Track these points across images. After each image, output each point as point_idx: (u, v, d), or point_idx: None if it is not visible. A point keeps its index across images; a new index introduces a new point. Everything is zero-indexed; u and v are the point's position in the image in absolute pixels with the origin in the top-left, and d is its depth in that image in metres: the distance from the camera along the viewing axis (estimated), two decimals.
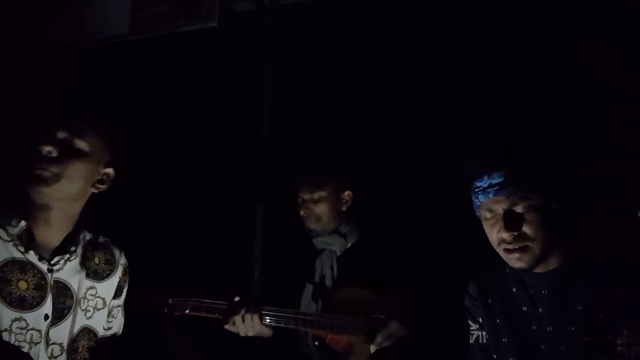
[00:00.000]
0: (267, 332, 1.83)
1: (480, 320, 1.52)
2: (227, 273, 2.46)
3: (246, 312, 1.76)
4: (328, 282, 2.01)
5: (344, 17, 2.63)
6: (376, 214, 2.22)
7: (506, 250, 1.37)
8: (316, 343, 1.90)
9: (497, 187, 1.35)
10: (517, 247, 1.35)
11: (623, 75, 2.04)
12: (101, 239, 1.56)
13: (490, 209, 1.39)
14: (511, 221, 1.34)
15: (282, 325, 1.80)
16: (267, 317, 1.79)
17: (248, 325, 1.77)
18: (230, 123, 2.74)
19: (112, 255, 1.57)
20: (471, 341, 1.55)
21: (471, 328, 1.56)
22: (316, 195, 2.07)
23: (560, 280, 1.38)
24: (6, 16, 2.93)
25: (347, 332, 1.83)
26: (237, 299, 1.79)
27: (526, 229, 1.34)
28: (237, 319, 1.75)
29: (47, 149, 1.40)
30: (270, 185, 2.69)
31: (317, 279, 2.04)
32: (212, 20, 2.75)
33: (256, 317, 1.76)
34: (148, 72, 2.85)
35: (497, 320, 1.48)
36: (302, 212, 2.10)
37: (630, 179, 1.99)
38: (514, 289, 1.46)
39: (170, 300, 1.74)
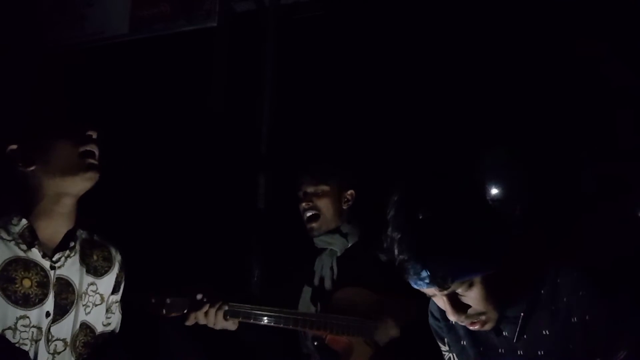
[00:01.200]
0: (231, 326, 1.80)
1: (447, 341, 1.44)
2: (226, 273, 2.46)
3: (210, 307, 1.74)
4: (327, 284, 2.00)
5: (344, 17, 2.63)
6: (377, 215, 2.20)
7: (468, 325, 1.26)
8: (315, 343, 1.90)
9: (427, 281, 1.16)
10: (472, 323, 1.23)
11: (624, 74, 2.04)
12: (96, 237, 1.59)
13: (428, 294, 1.24)
14: (457, 305, 1.20)
15: (282, 325, 1.79)
16: (266, 318, 1.78)
17: (210, 320, 1.75)
18: (230, 123, 2.74)
19: (109, 252, 1.60)
20: None
21: (442, 349, 1.48)
22: (319, 189, 2.06)
23: (521, 308, 1.27)
24: (6, 15, 2.93)
25: (347, 333, 1.83)
26: (199, 296, 1.77)
27: (474, 305, 1.20)
28: (199, 314, 1.74)
29: (93, 134, 1.46)
30: (270, 184, 2.69)
31: (316, 282, 2.02)
32: (212, 20, 2.75)
33: (220, 314, 1.75)
34: (148, 72, 2.85)
35: (464, 343, 1.40)
36: (303, 205, 2.07)
37: (630, 179, 1.99)
38: None
39: (168, 300, 1.73)
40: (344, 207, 2.09)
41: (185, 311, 1.75)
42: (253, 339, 1.94)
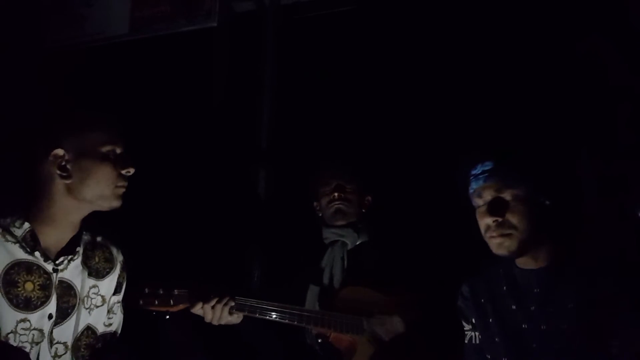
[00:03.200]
0: (235, 320, 1.80)
1: (473, 320, 1.54)
2: (230, 268, 2.46)
3: (217, 303, 1.74)
4: (337, 276, 2.01)
5: (344, 17, 2.64)
6: (387, 217, 2.23)
7: (491, 237, 1.42)
8: (319, 341, 1.90)
9: (487, 174, 1.43)
10: (498, 234, 1.40)
11: (623, 73, 2.05)
12: (99, 239, 1.59)
13: (480, 195, 1.44)
14: (496, 207, 1.40)
15: (286, 321, 1.79)
16: (272, 313, 1.78)
17: (217, 315, 1.75)
18: (231, 123, 2.74)
19: (111, 253, 1.60)
20: (465, 341, 1.56)
21: (465, 329, 1.57)
22: (350, 186, 2.12)
23: (551, 278, 1.40)
24: (6, 15, 2.92)
25: (350, 332, 1.83)
26: (208, 289, 1.77)
27: (510, 217, 1.39)
28: (207, 307, 1.74)
29: (132, 171, 1.50)
30: (271, 184, 2.69)
31: (326, 274, 2.03)
32: (212, 20, 2.75)
33: (226, 309, 1.75)
34: (148, 72, 2.84)
35: (490, 320, 1.49)
36: (335, 195, 2.10)
37: (630, 178, 2.00)
38: (504, 288, 1.48)
39: (176, 291, 1.72)
40: (363, 210, 2.16)
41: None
42: (254, 337, 1.93)
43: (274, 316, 1.79)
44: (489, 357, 1.48)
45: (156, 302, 1.69)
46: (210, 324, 1.77)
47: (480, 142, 2.14)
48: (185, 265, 2.38)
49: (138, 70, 2.85)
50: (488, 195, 1.42)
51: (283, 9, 2.77)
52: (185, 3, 2.78)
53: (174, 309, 1.73)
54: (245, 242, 2.65)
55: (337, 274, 2.02)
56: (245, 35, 2.82)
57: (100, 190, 1.43)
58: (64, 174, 1.40)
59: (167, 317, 1.73)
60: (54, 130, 1.43)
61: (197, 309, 1.73)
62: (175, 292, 1.72)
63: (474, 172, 1.48)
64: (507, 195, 1.40)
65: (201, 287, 1.76)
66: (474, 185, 1.46)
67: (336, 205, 2.09)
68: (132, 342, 1.68)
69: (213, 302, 1.73)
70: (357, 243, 2.08)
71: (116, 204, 1.48)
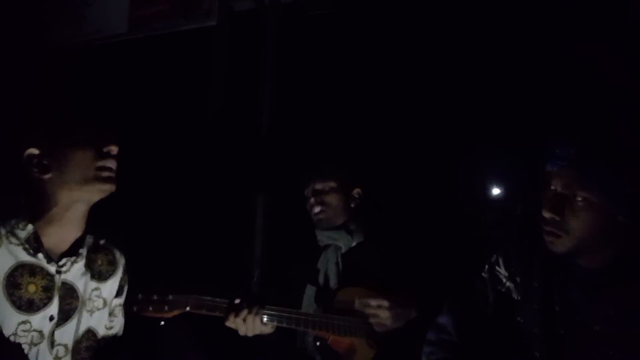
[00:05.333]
0: (268, 330, 1.80)
1: (517, 279, 1.42)
2: (227, 272, 2.46)
3: (248, 313, 1.73)
4: (332, 280, 2.00)
5: (343, 15, 2.63)
6: (382, 216, 2.21)
7: (544, 230, 1.27)
8: (318, 344, 1.89)
9: (565, 162, 1.23)
10: (551, 230, 1.25)
11: (624, 74, 2.04)
12: (102, 242, 1.59)
13: (550, 179, 1.27)
14: (558, 204, 1.23)
15: (284, 325, 1.79)
16: (266, 316, 1.78)
17: (249, 327, 1.74)
18: (230, 122, 2.74)
19: (113, 256, 1.60)
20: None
21: (501, 274, 1.46)
22: (327, 185, 2.07)
23: (599, 281, 1.27)
24: (5, 15, 2.92)
25: (350, 334, 1.82)
26: (237, 300, 1.75)
27: (570, 218, 1.22)
28: (238, 320, 1.73)
29: (114, 149, 1.44)
30: (270, 183, 2.69)
31: (321, 279, 2.01)
32: (211, 19, 2.75)
33: (257, 319, 1.74)
34: (147, 71, 2.85)
35: (535, 285, 1.38)
36: (312, 201, 2.08)
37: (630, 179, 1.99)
38: (557, 264, 1.36)
39: (170, 297, 1.71)
40: (352, 205, 2.11)
41: (187, 309, 1.73)
42: (258, 339, 1.94)
43: (268, 319, 1.77)
44: (520, 320, 1.39)
45: (150, 309, 1.68)
46: (210, 326, 1.78)
47: (477, 141, 2.14)
48: (186, 265, 2.39)
49: (137, 70, 2.85)
50: (557, 185, 1.24)
51: (283, 8, 2.77)
52: (185, 2, 2.78)
53: (169, 315, 1.71)
54: (245, 242, 2.66)
55: (332, 278, 2.00)
56: (245, 34, 2.82)
57: (82, 174, 1.40)
58: (43, 170, 1.40)
59: (162, 322, 1.71)
60: (24, 131, 1.43)
61: (230, 323, 1.74)
62: (170, 297, 1.70)
63: (556, 150, 1.25)
64: (577, 195, 1.20)
65: (198, 292, 1.75)
66: (548, 167, 1.26)
67: (317, 216, 2.08)
68: (133, 345, 1.68)
69: (244, 315, 1.73)
70: (352, 245, 2.05)
71: (104, 187, 1.43)
